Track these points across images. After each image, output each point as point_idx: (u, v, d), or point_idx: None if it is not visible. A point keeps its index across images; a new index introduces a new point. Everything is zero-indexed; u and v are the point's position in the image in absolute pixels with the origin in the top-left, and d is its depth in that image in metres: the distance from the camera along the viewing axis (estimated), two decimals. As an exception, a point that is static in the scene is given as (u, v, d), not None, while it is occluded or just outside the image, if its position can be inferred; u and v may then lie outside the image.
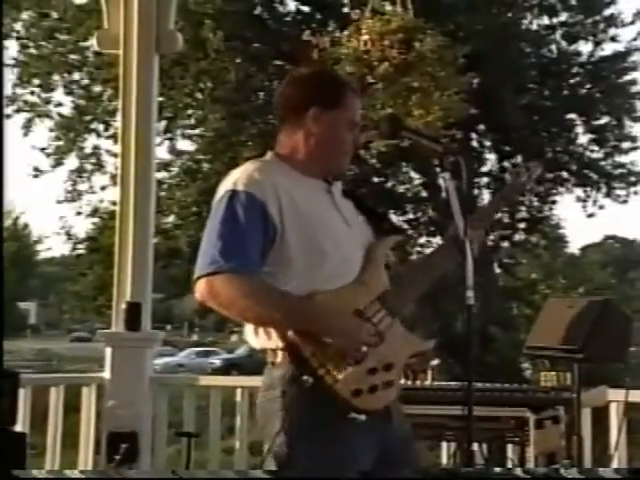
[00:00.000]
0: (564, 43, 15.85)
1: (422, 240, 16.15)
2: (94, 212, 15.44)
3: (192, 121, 15.17)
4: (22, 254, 36.02)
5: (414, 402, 3.50)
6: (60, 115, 14.88)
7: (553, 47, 15.94)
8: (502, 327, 14.75)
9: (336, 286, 2.27)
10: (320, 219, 2.33)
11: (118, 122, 5.70)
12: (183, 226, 14.68)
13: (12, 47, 14.45)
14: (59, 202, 15.36)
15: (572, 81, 15.92)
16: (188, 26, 12.40)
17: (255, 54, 14.14)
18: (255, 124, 14.00)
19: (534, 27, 15.92)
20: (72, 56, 14.52)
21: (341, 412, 2.19)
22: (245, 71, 13.85)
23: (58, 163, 14.83)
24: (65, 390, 5.23)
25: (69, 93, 14.92)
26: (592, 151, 16.20)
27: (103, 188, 15.09)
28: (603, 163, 16.10)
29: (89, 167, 15.08)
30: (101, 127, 14.83)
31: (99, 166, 15.02)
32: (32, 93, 14.62)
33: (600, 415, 4.38)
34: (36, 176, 14.88)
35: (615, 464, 4.02)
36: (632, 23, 15.44)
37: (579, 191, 16.26)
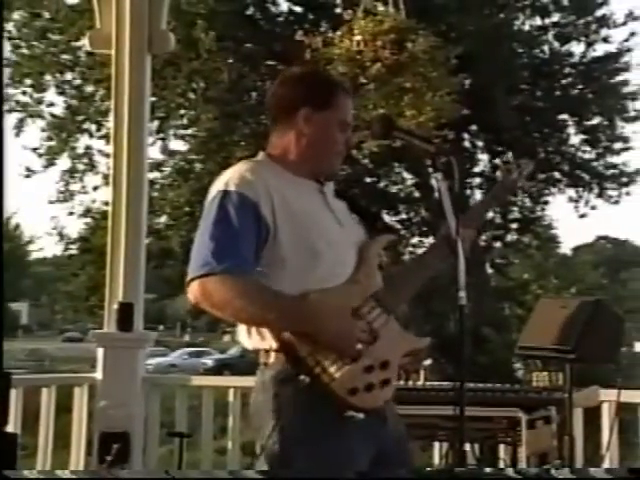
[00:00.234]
0: (556, 44, 15.89)
1: (415, 240, 16.20)
2: (86, 212, 15.41)
3: (184, 121, 15.16)
4: (14, 254, 35.92)
5: (406, 402, 3.50)
6: (52, 115, 14.85)
7: (545, 48, 15.96)
8: (494, 327, 14.77)
9: (329, 286, 2.27)
10: (313, 219, 2.33)
11: (110, 122, 5.69)
12: (175, 226, 14.65)
13: (4, 47, 14.42)
14: (51, 202, 15.34)
15: (564, 82, 15.95)
16: (180, 26, 12.38)
17: (247, 54, 14.13)
18: (248, 124, 13.99)
19: (526, 28, 15.97)
20: (64, 56, 14.48)
21: (337, 411, 2.19)
22: (237, 71, 13.84)
23: (50, 163, 14.80)
24: (57, 390, 5.21)
25: (61, 93, 14.89)
26: (584, 152, 16.25)
27: (95, 188, 15.08)
28: (595, 164, 16.14)
29: (81, 167, 15.05)
30: (93, 127, 14.80)
31: (91, 166, 14.99)
32: (24, 93, 14.58)
33: (592, 415, 4.38)
34: (28, 176, 14.85)
35: (607, 464, 4.03)
36: (624, 24, 15.49)
37: (571, 191, 16.33)
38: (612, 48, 15.59)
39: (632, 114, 15.52)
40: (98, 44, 5.58)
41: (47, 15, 14.26)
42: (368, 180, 15.61)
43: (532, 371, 4.05)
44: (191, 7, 13.21)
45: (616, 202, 16.02)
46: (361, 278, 2.34)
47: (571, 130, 16.06)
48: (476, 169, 16.38)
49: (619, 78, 15.49)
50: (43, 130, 14.84)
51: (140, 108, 5.37)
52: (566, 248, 26.40)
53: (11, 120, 14.30)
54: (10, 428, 4.44)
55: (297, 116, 2.38)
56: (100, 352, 5.22)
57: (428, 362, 4.00)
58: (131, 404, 5.10)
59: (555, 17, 15.87)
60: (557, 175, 16.29)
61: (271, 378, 2.24)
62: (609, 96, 15.31)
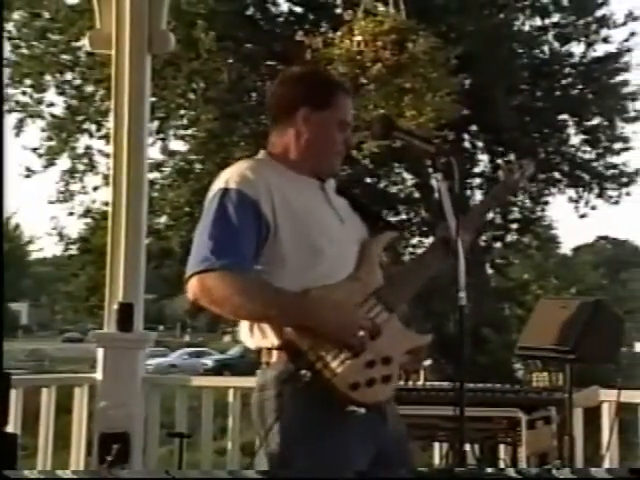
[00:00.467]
0: (556, 44, 15.89)
1: (414, 241, 16.20)
2: (86, 213, 15.42)
3: (184, 121, 15.16)
4: (14, 255, 35.93)
5: (406, 402, 3.50)
6: (52, 115, 14.85)
7: (545, 48, 15.97)
8: (494, 328, 14.77)
9: (331, 283, 2.27)
10: (314, 216, 2.33)
11: (110, 122, 5.68)
12: (175, 226, 14.66)
13: (4, 47, 14.42)
14: (51, 202, 15.35)
15: (564, 82, 15.95)
16: (180, 26, 12.38)
17: (247, 54, 14.13)
18: (247, 124, 14.00)
19: (526, 28, 15.97)
20: (64, 56, 14.48)
21: (338, 408, 2.18)
22: (237, 71, 13.84)
23: (50, 163, 14.81)
24: (57, 391, 5.21)
25: (61, 93, 14.89)
26: (584, 152, 16.26)
27: (95, 188, 15.09)
28: (595, 164, 16.15)
29: (81, 167, 15.06)
30: (93, 127, 14.81)
31: (91, 166, 15.00)
32: (24, 93, 14.58)
33: (592, 415, 4.38)
34: (28, 176, 14.86)
35: (607, 464, 4.03)
36: (624, 24, 15.50)
37: (571, 192, 16.33)
38: (612, 48, 15.63)
39: (632, 114, 15.54)
40: (98, 44, 5.58)
41: (47, 15, 14.26)
42: (368, 180, 15.62)
43: (532, 371, 4.05)
44: (191, 7, 13.22)
45: (616, 202, 16.04)
46: (362, 275, 2.34)
47: (571, 130, 16.08)
48: (476, 169, 16.39)
49: (619, 78, 15.50)
50: (43, 130, 14.86)
51: (140, 108, 5.37)
52: (566, 248, 26.46)
53: (11, 120, 14.33)
54: (10, 428, 4.44)
55: (296, 116, 2.39)
56: (100, 352, 5.21)
57: (428, 362, 3.99)
58: (131, 404, 5.09)
59: (555, 17, 15.88)
60: (557, 175, 16.29)
61: (273, 378, 2.24)
62: (609, 96, 15.31)
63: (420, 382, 4.00)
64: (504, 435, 3.93)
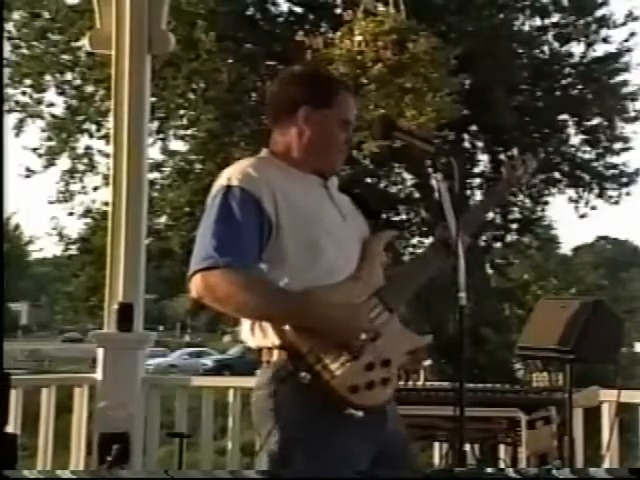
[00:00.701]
0: (556, 44, 15.90)
1: (414, 241, 16.21)
2: (86, 213, 15.44)
3: (184, 121, 15.17)
4: (14, 255, 35.94)
5: (406, 402, 3.49)
6: (52, 115, 14.87)
7: (545, 48, 15.98)
8: (494, 328, 14.77)
9: (332, 281, 2.27)
10: (316, 214, 2.33)
11: (110, 122, 5.68)
12: (175, 227, 14.67)
13: (4, 47, 14.43)
14: (51, 203, 15.38)
15: (564, 82, 15.96)
16: (180, 26, 12.40)
17: (247, 55, 14.14)
18: (247, 125, 13.99)
19: (526, 28, 15.98)
20: (64, 56, 14.50)
21: (337, 410, 2.18)
22: (237, 72, 13.84)
23: (50, 163, 14.83)
24: (57, 391, 5.21)
25: (61, 93, 14.91)
26: (584, 152, 16.28)
27: (95, 189, 15.11)
28: (595, 164, 16.16)
29: (81, 167, 15.08)
30: (93, 127, 14.83)
31: (91, 166, 15.01)
32: (24, 93, 14.60)
33: (592, 415, 4.38)
34: (28, 176, 14.88)
35: (607, 464, 4.03)
36: (624, 24, 15.52)
37: (571, 192, 16.34)
38: (612, 48, 15.65)
39: (632, 114, 15.55)
40: (98, 44, 5.57)
41: (47, 15, 14.28)
42: (369, 180, 15.62)
43: (532, 371, 4.05)
44: (191, 7, 13.22)
45: (616, 202, 16.06)
46: (363, 275, 2.34)
47: (571, 130, 16.10)
48: (476, 169, 16.39)
49: (619, 78, 15.51)
50: (43, 130, 14.89)
51: (140, 108, 5.36)
52: (566, 248, 26.46)
53: (11, 120, 14.34)
54: (10, 428, 4.43)
55: (298, 114, 2.39)
56: (100, 353, 5.21)
57: (428, 362, 3.99)
58: (131, 405, 5.09)
59: (555, 17, 15.90)
60: (557, 175, 16.30)
61: (271, 377, 2.24)
62: (609, 96, 15.31)
63: (420, 382, 4.00)
64: (504, 435, 3.93)
